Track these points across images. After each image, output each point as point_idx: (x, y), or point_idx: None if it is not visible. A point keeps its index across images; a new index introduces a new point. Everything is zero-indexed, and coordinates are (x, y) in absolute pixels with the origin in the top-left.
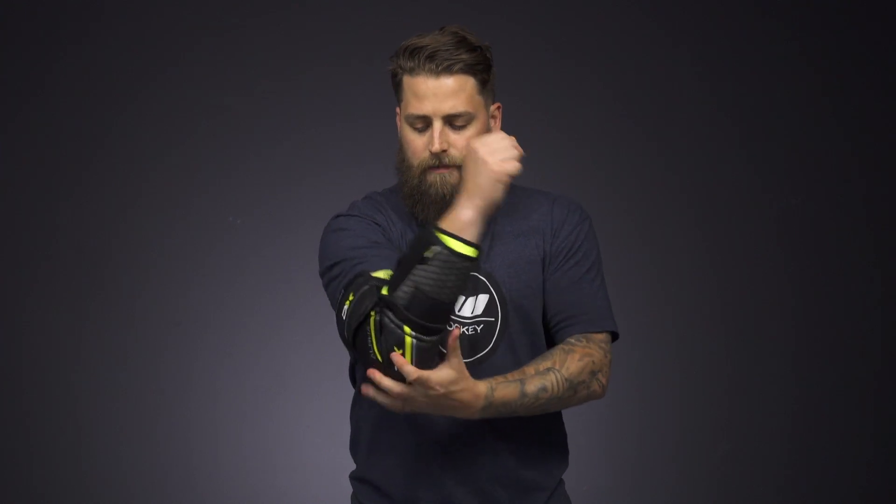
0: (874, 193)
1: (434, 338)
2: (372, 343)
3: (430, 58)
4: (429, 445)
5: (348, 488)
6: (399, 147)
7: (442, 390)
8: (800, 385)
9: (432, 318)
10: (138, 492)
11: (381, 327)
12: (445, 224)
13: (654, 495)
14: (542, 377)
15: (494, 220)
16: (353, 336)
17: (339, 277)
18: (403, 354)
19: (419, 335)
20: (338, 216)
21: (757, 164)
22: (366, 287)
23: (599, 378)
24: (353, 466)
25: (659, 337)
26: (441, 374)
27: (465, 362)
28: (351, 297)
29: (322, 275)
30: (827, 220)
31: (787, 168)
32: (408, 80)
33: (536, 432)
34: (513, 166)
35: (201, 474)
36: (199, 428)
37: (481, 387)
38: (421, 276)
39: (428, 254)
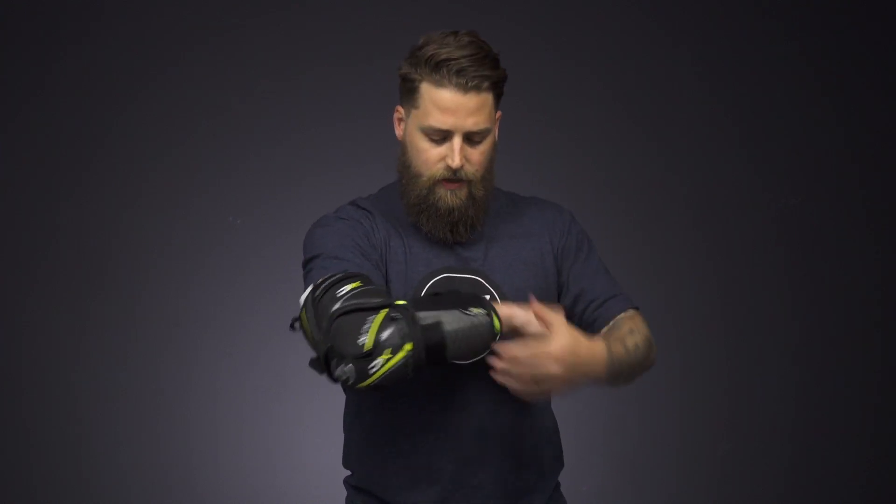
0: (874, 193)
1: (410, 374)
2: (369, 331)
3: (459, 73)
4: (420, 452)
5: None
6: (404, 150)
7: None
8: (800, 385)
9: (429, 354)
10: (138, 492)
11: (388, 325)
12: (501, 307)
13: (654, 495)
14: (632, 335)
15: (488, 222)
16: (341, 314)
17: (316, 269)
18: (385, 363)
19: (410, 359)
20: (324, 216)
21: (757, 164)
22: (375, 287)
23: (654, 344)
24: None
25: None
26: (560, 338)
27: (466, 363)
28: (358, 284)
29: (303, 264)
30: (826, 220)
31: (786, 168)
32: (430, 90)
33: (528, 436)
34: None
35: (201, 474)
36: (199, 428)
37: (598, 346)
38: (452, 318)
39: (475, 309)
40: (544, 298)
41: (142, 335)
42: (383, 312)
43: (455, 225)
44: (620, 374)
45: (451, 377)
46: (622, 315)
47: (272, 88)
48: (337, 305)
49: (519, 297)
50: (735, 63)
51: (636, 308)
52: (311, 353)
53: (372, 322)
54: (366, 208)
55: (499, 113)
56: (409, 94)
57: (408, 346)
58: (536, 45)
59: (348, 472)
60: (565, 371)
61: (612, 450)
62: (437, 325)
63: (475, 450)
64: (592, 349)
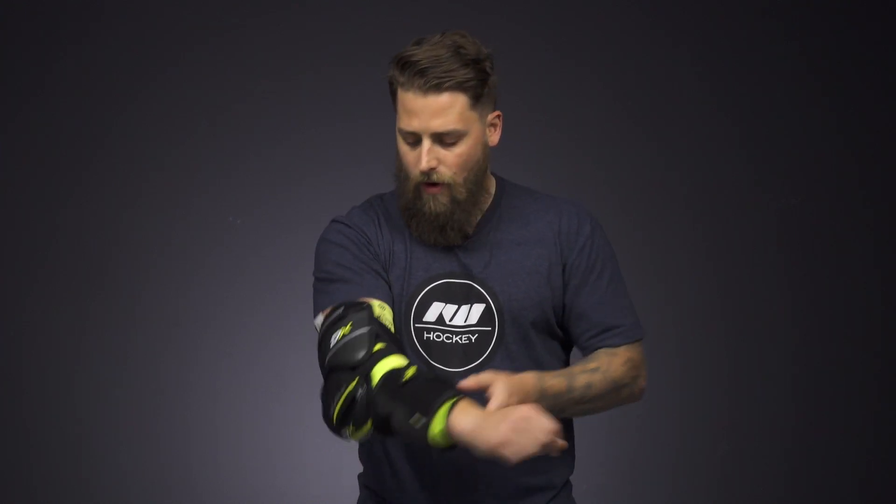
0: (874, 193)
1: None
2: (336, 406)
3: (421, 74)
4: (423, 454)
5: (348, 488)
6: (396, 154)
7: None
8: (800, 385)
9: (381, 428)
10: (138, 492)
11: (351, 406)
12: (453, 415)
13: (654, 495)
14: (589, 375)
15: (496, 227)
16: (327, 372)
17: (324, 293)
18: (353, 432)
19: (375, 432)
20: (334, 221)
21: (757, 164)
22: (361, 333)
23: (639, 381)
24: (353, 467)
25: (659, 337)
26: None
27: (457, 371)
28: (348, 329)
29: (314, 279)
30: (826, 220)
31: (786, 168)
32: (400, 94)
33: None
34: (527, 453)
35: (201, 474)
36: (199, 428)
37: (528, 379)
38: (398, 419)
39: (415, 419)
40: (543, 309)
41: (142, 335)
42: (349, 389)
43: (443, 228)
44: (559, 408)
45: (450, 381)
46: (609, 350)
47: (272, 88)
48: (327, 358)
49: (518, 307)
50: (735, 63)
51: (637, 340)
52: (314, 340)
53: (339, 397)
54: (376, 210)
55: (496, 112)
56: (392, 97)
57: (368, 425)
58: (536, 45)
59: (357, 469)
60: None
61: (612, 450)
62: (387, 419)
63: (468, 455)
64: (523, 385)
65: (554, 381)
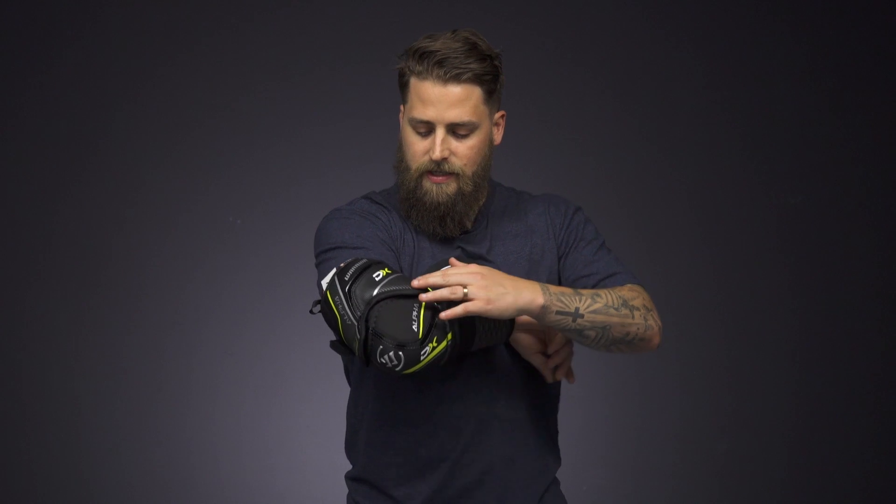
0: (874, 193)
1: (443, 362)
2: (419, 318)
3: (440, 64)
4: (426, 443)
5: (347, 489)
6: (398, 146)
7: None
8: (800, 384)
9: (461, 343)
10: (138, 492)
11: (432, 314)
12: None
13: (654, 495)
14: (610, 292)
15: (492, 221)
16: (381, 299)
17: (339, 259)
18: (432, 350)
19: (449, 347)
20: (337, 210)
21: (757, 163)
22: (403, 274)
23: (654, 315)
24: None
25: None
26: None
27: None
28: (389, 271)
29: (318, 254)
30: (827, 219)
31: (787, 168)
32: (415, 83)
33: (531, 429)
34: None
35: (201, 474)
36: (199, 428)
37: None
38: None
39: None
40: None
41: (142, 335)
42: (423, 307)
43: (443, 219)
44: (570, 314)
45: (447, 369)
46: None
47: (272, 88)
48: (375, 290)
49: None
50: (735, 63)
51: (640, 285)
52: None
53: (419, 309)
54: (380, 203)
55: (501, 112)
56: (402, 89)
57: (449, 335)
58: (536, 45)
59: (348, 469)
60: (483, 279)
61: (612, 450)
62: (471, 321)
63: (469, 444)
64: (515, 278)
65: (559, 288)
